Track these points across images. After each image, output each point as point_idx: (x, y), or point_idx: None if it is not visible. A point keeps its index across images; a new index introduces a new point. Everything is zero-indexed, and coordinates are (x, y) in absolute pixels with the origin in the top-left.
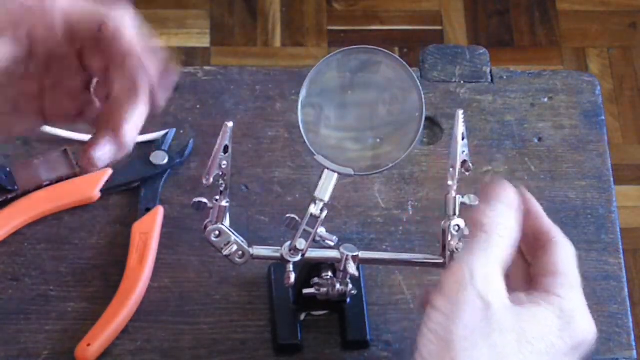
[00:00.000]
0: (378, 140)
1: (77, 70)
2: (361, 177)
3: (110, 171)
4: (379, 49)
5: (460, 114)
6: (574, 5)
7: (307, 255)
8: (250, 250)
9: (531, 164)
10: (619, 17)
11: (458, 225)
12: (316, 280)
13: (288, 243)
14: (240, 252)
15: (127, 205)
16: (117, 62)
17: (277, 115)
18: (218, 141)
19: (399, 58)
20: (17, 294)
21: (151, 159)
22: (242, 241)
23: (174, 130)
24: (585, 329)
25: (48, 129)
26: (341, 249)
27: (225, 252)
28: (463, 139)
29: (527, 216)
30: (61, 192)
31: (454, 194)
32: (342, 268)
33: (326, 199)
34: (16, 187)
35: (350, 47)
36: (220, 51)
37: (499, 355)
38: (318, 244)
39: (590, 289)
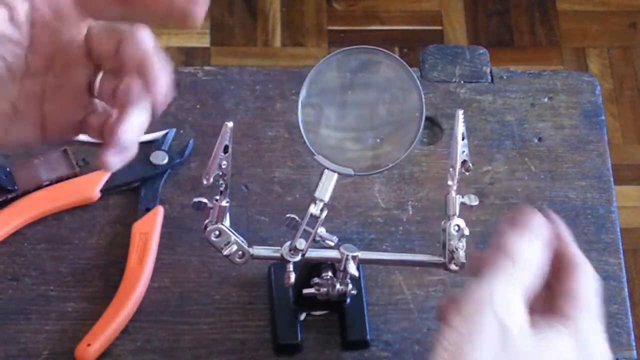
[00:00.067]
0: (378, 140)
1: (83, 64)
2: (361, 177)
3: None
4: (379, 49)
5: (460, 114)
6: (574, 5)
7: (307, 255)
8: (250, 250)
9: (531, 164)
10: (619, 17)
11: (458, 225)
12: (316, 280)
13: (288, 243)
14: (240, 252)
15: (127, 205)
16: (132, 60)
17: (277, 115)
18: (218, 141)
19: (399, 58)
20: (17, 294)
21: (151, 159)
22: (242, 241)
23: (174, 130)
24: (601, 355)
25: None
26: (341, 249)
27: (225, 252)
28: (463, 139)
29: (552, 236)
30: (61, 192)
31: (454, 194)
32: (342, 268)
33: (326, 199)
34: (16, 187)
35: (350, 47)
36: (220, 51)
37: None
38: (318, 244)
39: None
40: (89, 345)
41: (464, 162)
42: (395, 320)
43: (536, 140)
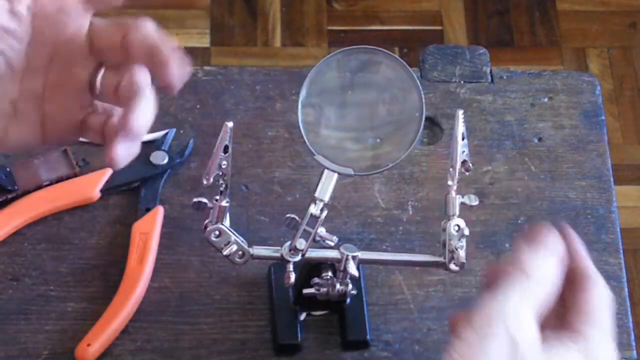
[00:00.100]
0: (378, 140)
1: (84, 61)
2: (361, 177)
3: (110, 171)
4: (379, 49)
5: (460, 114)
6: (574, 5)
7: (307, 255)
8: (250, 250)
9: (531, 164)
10: (619, 17)
11: (458, 225)
12: (316, 280)
13: (288, 243)
14: (240, 252)
15: (127, 205)
16: (140, 46)
17: (277, 115)
18: (218, 141)
19: (399, 58)
20: (17, 294)
21: (151, 159)
22: (242, 241)
23: (174, 130)
24: None
25: None
26: (341, 249)
27: (225, 252)
28: (463, 139)
29: (569, 253)
30: (61, 192)
31: (454, 194)
32: (342, 268)
33: (326, 199)
34: (16, 187)
35: (350, 47)
36: (220, 51)
37: None
38: (318, 244)
39: None
40: (89, 345)
41: (464, 162)
42: (395, 320)
43: (536, 140)
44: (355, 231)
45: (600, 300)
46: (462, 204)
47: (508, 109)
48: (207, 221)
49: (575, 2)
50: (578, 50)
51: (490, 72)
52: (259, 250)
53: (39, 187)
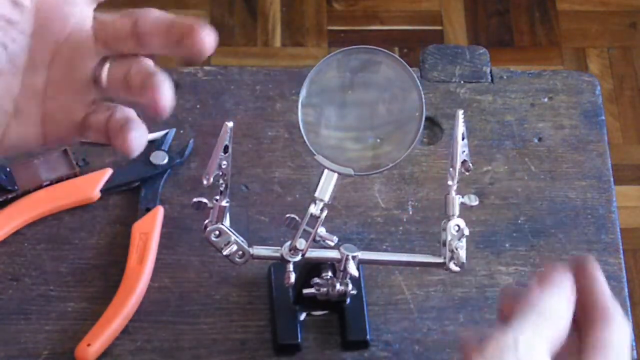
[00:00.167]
0: (378, 140)
1: (89, 54)
2: (361, 177)
3: (110, 171)
4: (379, 48)
5: (460, 114)
6: (574, 5)
7: (307, 255)
8: (250, 250)
9: (531, 164)
10: (619, 17)
11: (458, 225)
12: (316, 280)
13: (288, 243)
14: (240, 252)
15: (127, 205)
16: (156, 26)
17: (277, 115)
18: (218, 141)
19: (399, 58)
20: (17, 294)
21: (151, 159)
22: (242, 241)
23: (174, 130)
24: None
25: None
26: (341, 249)
27: (225, 252)
28: (463, 139)
29: (588, 287)
30: (61, 192)
31: (454, 194)
32: (342, 268)
33: (326, 199)
34: (16, 187)
35: (351, 47)
36: (220, 51)
37: None
38: (318, 244)
39: None
40: (89, 345)
41: (464, 162)
42: (395, 320)
43: (536, 140)
44: (355, 231)
45: (617, 336)
46: (462, 204)
47: (508, 109)
48: (207, 221)
49: (575, 2)
50: (578, 50)
51: (490, 72)
52: (259, 250)
53: (39, 187)
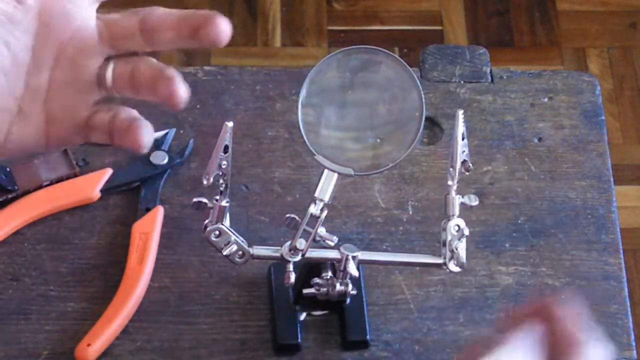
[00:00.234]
0: (378, 140)
1: (93, 53)
2: (361, 177)
3: (110, 171)
4: (379, 48)
5: (460, 114)
6: (574, 5)
7: (307, 255)
8: (250, 250)
9: (531, 164)
10: (619, 17)
11: (458, 225)
12: (316, 280)
13: (288, 243)
14: (240, 252)
15: (127, 205)
16: (165, 21)
17: (277, 115)
18: (218, 141)
19: (399, 58)
20: (17, 294)
21: (151, 159)
22: (242, 241)
23: (174, 130)
24: None
25: None
26: (341, 249)
27: (225, 252)
28: (463, 139)
29: (556, 328)
30: (61, 192)
31: (454, 194)
32: (342, 268)
33: (326, 199)
34: (16, 187)
35: (351, 47)
36: (220, 51)
37: None
38: (318, 244)
39: (590, 289)
40: (89, 345)
41: (464, 162)
42: (395, 320)
43: (536, 140)
44: (355, 231)
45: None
46: (462, 204)
47: (508, 109)
48: (207, 221)
49: (575, 2)
50: (578, 50)
51: (490, 72)
52: (259, 250)
53: (39, 187)
